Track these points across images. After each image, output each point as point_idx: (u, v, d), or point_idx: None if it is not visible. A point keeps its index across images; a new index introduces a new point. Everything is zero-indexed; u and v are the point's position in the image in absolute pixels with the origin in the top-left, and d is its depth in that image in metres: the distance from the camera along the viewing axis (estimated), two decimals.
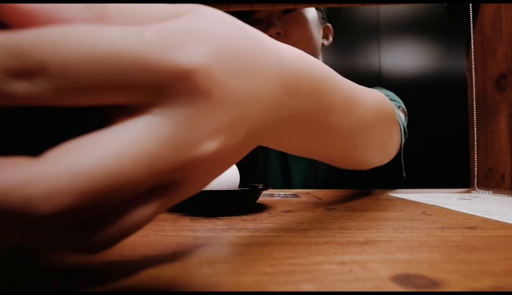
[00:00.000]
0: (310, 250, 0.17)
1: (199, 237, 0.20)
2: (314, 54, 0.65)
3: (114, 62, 0.09)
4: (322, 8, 0.69)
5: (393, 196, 0.42)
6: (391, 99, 0.57)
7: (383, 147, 0.32)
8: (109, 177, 0.09)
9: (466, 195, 0.43)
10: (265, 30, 0.62)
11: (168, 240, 0.19)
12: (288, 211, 0.29)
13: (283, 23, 0.61)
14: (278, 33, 0.60)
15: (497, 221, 0.25)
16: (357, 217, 0.26)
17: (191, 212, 0.28)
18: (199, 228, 0.22)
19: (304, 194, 0.44)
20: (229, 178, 0.29)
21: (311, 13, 0.64)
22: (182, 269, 0.14)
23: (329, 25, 0.71)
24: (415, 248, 0.17)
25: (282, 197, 0.41)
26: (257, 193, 0.32)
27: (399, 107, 0.54)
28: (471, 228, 0.22)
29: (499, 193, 0.45)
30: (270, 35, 0.62)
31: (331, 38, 0.71)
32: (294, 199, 0.39)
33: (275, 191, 0.47)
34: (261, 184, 0.34)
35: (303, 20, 0.62)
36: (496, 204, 0.34)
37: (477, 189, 0.51)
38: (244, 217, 0.26)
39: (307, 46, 0.63)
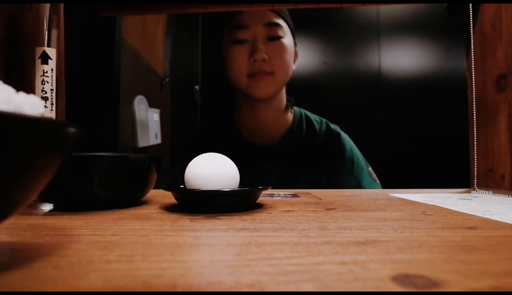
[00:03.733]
0: (310, 250, 0.17)
1: (199, 237, 0.20)
2: (287, 78, 0.69)
3: None
4: (293, 32, 0.73)
5: (393, 196, 0.42)
6: (361, 167, 0.71)
7: None
8: None
9: (466, 195, 0.43)
10: (250, 52, 0.65)
11: (168, 240, 0.19)
12: (288, 211, 0.29)
13: (267, 49, 0.65)
14: (263, 59, 0.65)
15: (497, 221, 0.25)
16: (357, 217, 0.26)
17: (191, 212, 0.28)
18: (198, 228, 0.22)
19: (304, 194, 0.44)
20: (229, 178, 0.29)
21: (289, 42, 0.69)
22: (181, 269, 0.14)
23: (297, 49, 0.75)
24: (415, 248, 0.17)
25: (282, 197, 0.41)
26: (257, 193, 0.32)
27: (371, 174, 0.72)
28: (471, 228, 0.22)
29: (499, 193, 0.44)
30: (255, 59, 0.64)
31: (296, 62, 0.76)
32: (294, 199, 0.39)
33: (275, 191, 0.47)
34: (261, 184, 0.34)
35: (284, 49, 0.67)
36: (496, 204, 0.34)
37: (477, 189, 0.51)
38: (244, 216, 0.26)
39: (284, 71, 0.67)
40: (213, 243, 0.18)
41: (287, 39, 0.68)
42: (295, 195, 0.42)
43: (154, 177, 0.33)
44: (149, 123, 1.20)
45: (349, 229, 0.22)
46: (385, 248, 0.17)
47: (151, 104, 1.23)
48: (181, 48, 1.56)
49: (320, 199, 0.39)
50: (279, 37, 0.66)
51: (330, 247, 0.17)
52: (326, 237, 0.20)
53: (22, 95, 0.13)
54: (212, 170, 0.29)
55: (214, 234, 0.20)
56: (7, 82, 0.14)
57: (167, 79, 1.50)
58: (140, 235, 0.20)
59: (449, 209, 0.31)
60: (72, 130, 0.14)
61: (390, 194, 0.44)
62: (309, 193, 0.45)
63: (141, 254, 0.16)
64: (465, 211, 0.29)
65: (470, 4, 0.57)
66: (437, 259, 0.15)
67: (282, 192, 0.46)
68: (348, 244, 0.18)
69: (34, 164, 0.12)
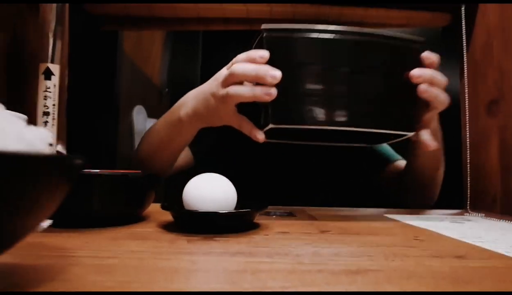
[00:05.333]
0: (304, 279, 0.17)
1: (196, 262, 0.20)
2: None
3: None
4: None
5: (387, 217, 0.42)
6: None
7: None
8: None
9: (459, 218, 0.44)
10: None
11: (166, 264, 0.19)
12: (283, 233, 0.30)
13: None
14: None
15: (485, 250, 0.25)
16: (350, 242, 0.27)
17: (188, 231, 0.28)
18: (195, 251, 0.22)
19: (299, 212, 0.44)
20: (226, 199, 0.30)
21: None
22: None
23: None
24: (403, 280, 0.18)
25: (277, 215, 0.41)
26: (253, 215, 0.32)
27: None
28: (460, 257, 0.23)
29: (490, 216, 0.45)
30: None
31: None
32: (289, 220, 0.39)
33: (272, 209, 0.48)
34: (258, 204, 0.34)
35: None
36: (486, 229, 0.35)
37: (469, 211, 0.51)
38: (240, 238, 0.27)
39: None
40: (209, 269, 0.19)
41: None
42: (290, 214, 0.43)
43: (152, 195, 0.34)
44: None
45: (342, 255, 0.22)
46: (375, 278, 0.18)
47: (150, 114, 1.24)
48: (180, 59, 1.58)
49: (315, 218, 0.39)
50: None
51: (322, 276, 0.18)
52: (319, 264, 0.20)
53: (32, 129, 0.14)
54: (210, 191, 0.29)
55: (210, 259, 0.21)
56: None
57: (167, 90, 1.51)
58: (138, 257, 0.20)
59: (440, 234, 0.31)
60: (78, 161, 0.14)
61: (385, 214, 0.45)
62: (304, 211, 0.46)
63: (138, 280, 0.16)
64: (456, 237, 0.30)
65: (463, 29, 0.59)
66: (423, 292, 0.16)
67: (278, 210, 0.47)
68: (340, 273, 0.18)
69: (45, 195, 0.13)
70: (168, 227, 0.30)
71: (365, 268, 0.20)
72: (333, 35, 0.35)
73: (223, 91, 0.38)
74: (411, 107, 0.38)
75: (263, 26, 0.35)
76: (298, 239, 0.27)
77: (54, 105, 0.37)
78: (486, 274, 0.20)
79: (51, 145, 0.38)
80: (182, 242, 0.25)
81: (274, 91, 0.34)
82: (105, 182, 0.29)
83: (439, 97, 0.38)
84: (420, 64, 0.37)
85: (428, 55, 0.37)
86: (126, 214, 0.32)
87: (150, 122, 1.25)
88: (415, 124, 0.38)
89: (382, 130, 0.37)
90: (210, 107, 0.41)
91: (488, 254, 0.24)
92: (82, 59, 0.75)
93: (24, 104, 0.38)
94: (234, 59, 0.38)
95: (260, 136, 0.38)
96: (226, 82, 0.38)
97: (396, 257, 0.22)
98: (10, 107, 0.40)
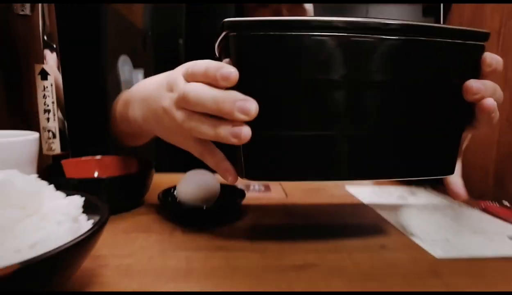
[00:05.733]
0: (265, 277, 0.25)
1: (190, 259, 0.28)
2: None
3: None
4: None
5: (347, 192, 0.51)
6: None
7: None
8: None
9: (407, 192, 0.53)
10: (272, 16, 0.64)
11: (170, 263, 0.27)
12: (256, 223, 0.38)
13: (290, 13, 0.65)
14: None
15: (404, 237, 0.34)
16: (308, 231, 0.35)
17: (182, 221, 0.36)
18: (190, 245, 0.30)
19: (275, 186, 0.52)
20: (212, 191, 0.37)
21: (310, 7, 0.71)
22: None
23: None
24: (332, 276, 0.26)
25: (256, 191, 0.49)
26: (233, 209, 0.40)
27: None
28: (382, 247, 0.32)
29: (435, 189, 0.54)
30: None
31: None
32: (264, 193, 0.47)
33: (251, 183, 0.55)
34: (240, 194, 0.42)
35: (306, 14, 0.69)
36: (422, 209, 0.44)
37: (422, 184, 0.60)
38: (223, 229, 0.34)
39: None
40: (199, 267, 0.26)
41: (309, 6, 0.70)
42: (267, 188, 0.51)
43: (150, 182, 0.41)
44: (134, 84, 1.21)
45: (297, 247, 0.30)
46: (313, 274, 0.26)
47: (136, 64, 1.22)
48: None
49: (287, 195, 0.47)
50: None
51: (275, 273, 0.26)
52: (278, 259, 0.28)
53: (69, 200, 0.20)
54: (198, 188, 0.36)
55: (200, 255, 0.28)
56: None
57: (150, 33, 1.45)
58: (147, 256, 0.28)
59: (380, 217, 0.40)
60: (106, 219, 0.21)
61: (346, 187, 0.53)
62: (280, 184, 0.54)
63: (152, 282, 0.24)
64: (392, 221, 0.39)
65: (441, 4, 0.61)
66: (340, 288, 0.24)
67: (257, 183, 0.54)
68: (289, 269, 0.26)
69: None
70: (166, 215, 0.38)
71: (310, 262, 0.28)
72: (347, 32, 0.23)
73: (177, 116, 0.28)
74: (457, 137, 0.27)
75: (226, 21, 0.23)
76: (267, 228, 0.35)
77: (53, 102, 0.40)
78: (395, 271, 0.28)
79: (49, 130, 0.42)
80: (178, 234, 0.33)
81: (246, 132, 0.24)
82: (111, 185, 0.35)
83: (496, 118, 0.27)
84: (475, 70, 0.26)
85: (491, 60, 0.26)
86: (131, 204, 0.39)
87: (136, 73, 1.25)
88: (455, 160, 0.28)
89: (414, 178, 0.28)
90: (164, 125, 0.31)
91: (406, 244, 0.33)
92: (67, 15, 0.73)
93: (23, 101, 0.41)
94: (189, 67, 0.27)
95: (231, 177, 0.28)
96: (179, 104, 0.28)
97: (336, 248, 0.31)
98: (10, 105, 0.43)
